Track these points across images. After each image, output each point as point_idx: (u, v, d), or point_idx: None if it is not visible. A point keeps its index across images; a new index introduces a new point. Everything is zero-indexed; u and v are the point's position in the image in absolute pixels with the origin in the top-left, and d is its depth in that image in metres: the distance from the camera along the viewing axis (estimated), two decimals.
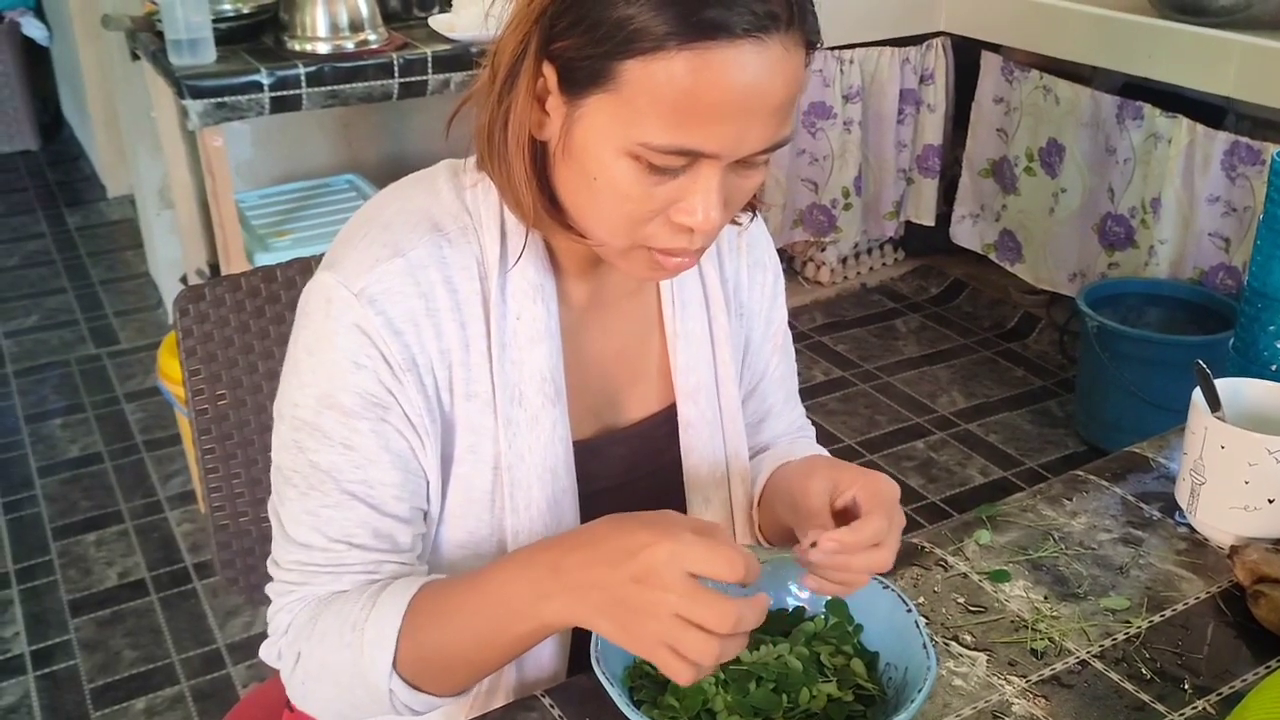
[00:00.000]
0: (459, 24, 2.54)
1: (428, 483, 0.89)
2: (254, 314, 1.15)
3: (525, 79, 0.79)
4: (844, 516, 0.87)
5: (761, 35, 0.73)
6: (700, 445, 1.00)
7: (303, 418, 0.86)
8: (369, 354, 0.84)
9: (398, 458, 0.87)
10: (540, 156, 0.83)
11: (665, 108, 0.74)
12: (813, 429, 1.17)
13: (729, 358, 1.01)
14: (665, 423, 1.01)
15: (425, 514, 0.91)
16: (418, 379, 0.85)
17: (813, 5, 0.78)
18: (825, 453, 1.10)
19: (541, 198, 0.84)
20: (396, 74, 2.43)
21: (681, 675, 0.72)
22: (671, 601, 0.71)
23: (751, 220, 1.01)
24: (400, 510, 0.88)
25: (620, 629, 0.74)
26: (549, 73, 0.78)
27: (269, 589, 0.91)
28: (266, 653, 0.91)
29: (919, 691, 0.78)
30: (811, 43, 0.78)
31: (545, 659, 0.95)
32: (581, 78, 0.76)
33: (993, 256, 3.25)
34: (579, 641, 0.93)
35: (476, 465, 0.90)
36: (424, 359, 0.86)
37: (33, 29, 4.55)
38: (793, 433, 1.14)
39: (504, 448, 0.89)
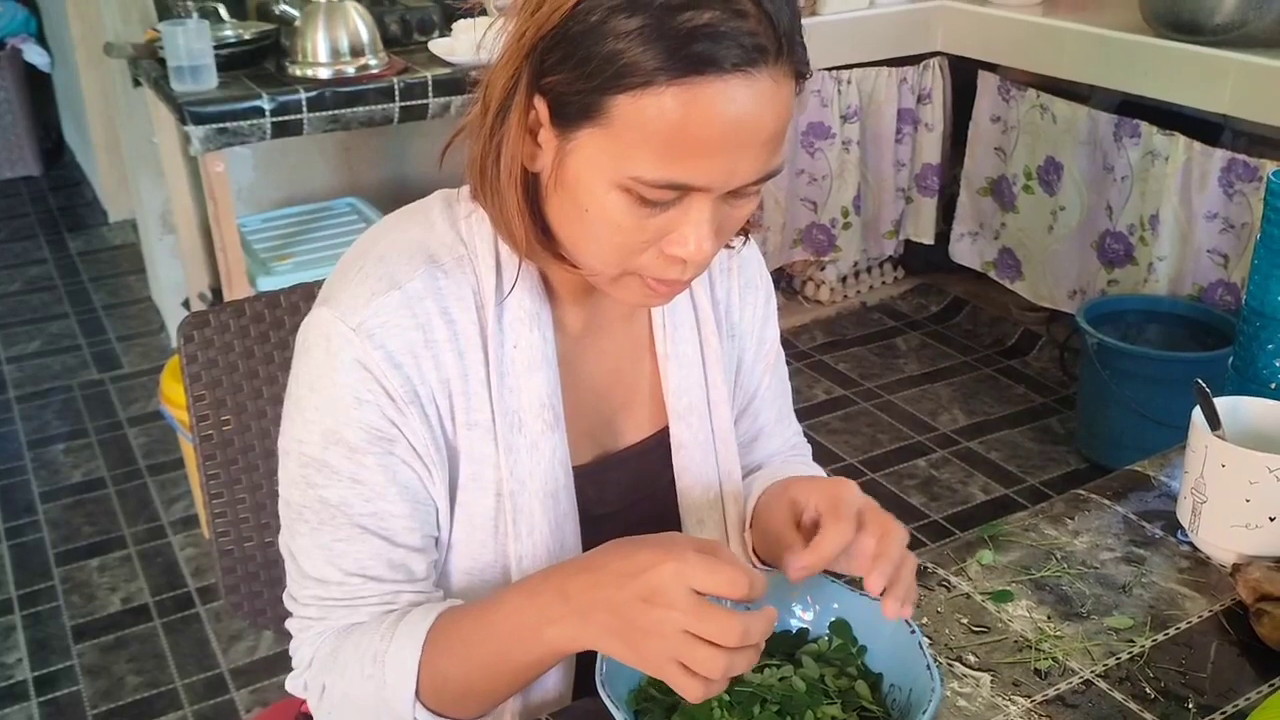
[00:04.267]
0: (458, 48, 2.56)
1: (438, 510, 0.90)
2: (258, 339, 1.15)
3: (517, 112, 0.79)
4: (815, 531, 0.87)
5: (750, 69, 0.73)
6: (693, 466, 1.01)
7: (309, 454, 0.86)
8: (371, 389, 0.84)
9: (406, 489, 0.87)
10: (532, 187, 0.84)
11: (656, 142, 0.74)
12: (809, 447, 1.17)
13: (720, 379, 1.02)
14: (659, 445, 1.01)
15: (437, 540, 0.92)
16: (420, 410, 0.86)
17: (801, 37, 0.78)
18: (819, 471, 1.11)
19: (534, 228, 0.84)
20: (397, 98, 2.44)
21: (691, 692, 0.73)
22: (677, 619, 0.72)
23: (744, 244, 1.02)
24: (413, 540, 0.89)
25: (629, 648, 0.75)
26: (540, 106, 0.79)
27: (289, 624, 0.93)
28: (293, 685, 0.92)
29: (924, 713, 0.78)
30: (801, 73, 0.78)
31: (550, 683, 0.95)
32: (572, 112, 0.77)
33: (992, 274, 3.26)
34: (584, 665, 0.93)
35: (479, 492, 0.91)
36: (425, 390, 0.86)
37: (34, 55, 4.57)
38: (786, 451, 1.14)
39: (505, 474, 0.90)
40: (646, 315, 1.00)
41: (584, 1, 0.73)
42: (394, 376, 0.84)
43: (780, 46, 0.74)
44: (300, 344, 0.88)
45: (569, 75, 0.75)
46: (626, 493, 1.00)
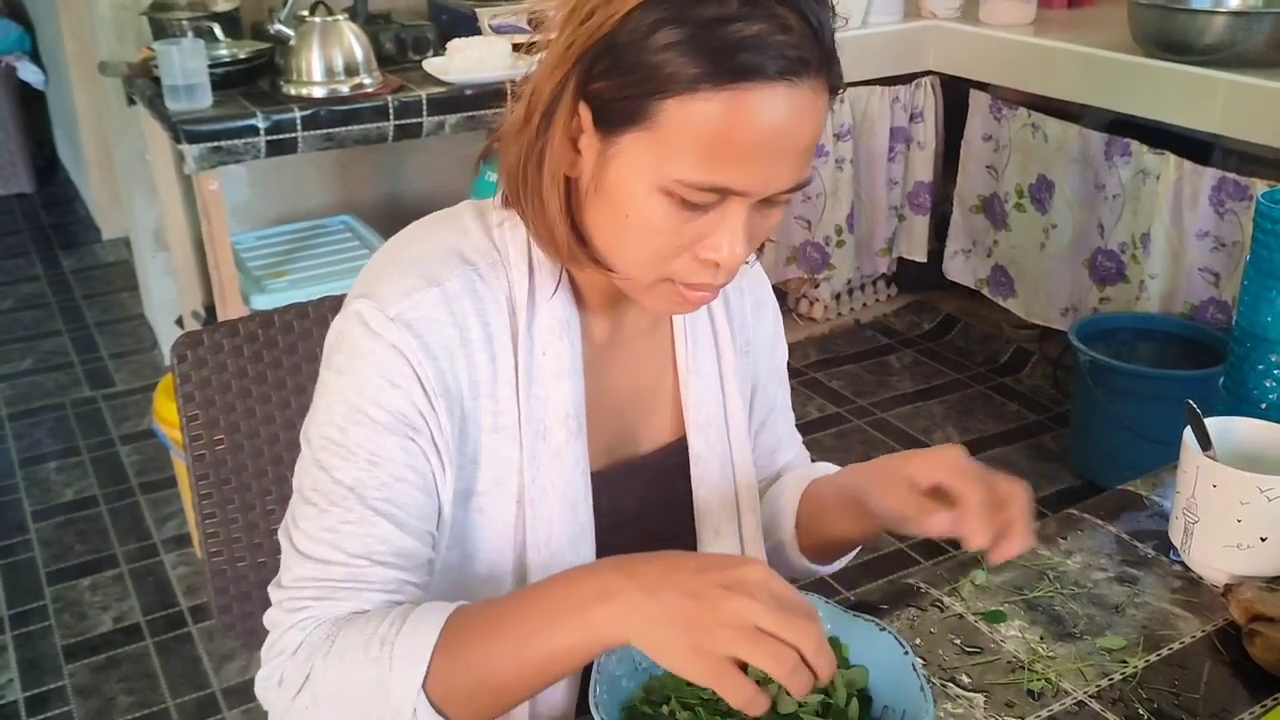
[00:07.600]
0: (452, 67, 2.56)
1: (440, 511, 0.90)
2: (251, 359, 1.15)
3: (561, 118, 0.82)
4: (933, 494, 0.92)
5: (793, 79, 0.76)
6: (710, 478, 1.03)
7: (329, 436, 0.86)
8: (405, 374, 0.85)
9: (422, 479, 0.87)
10: (569, 193, 0.85)
11: (700, 146, 0.77)
12: (808, 454, 1.21)
13: (737, 392, 1.04)
14: (676, 454, 1.03)
15: (435, 544, 0.91)
16: (448, 406, 0.87)
17: (837, 53, 0.81)
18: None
19: (571, 233, 0.86)
20: (391, 116, 2.45)
21: (739, 695, 0.71)
22: (758, 610, 0.72)
23: (755, 260, 1.03)
24: (420, 531, 0.88)
25: (686, 636, 0.72)
26: (584, 112, 0.81)
27: (268, 616, 0.87)
28: (265, 679, 0.86)
29: None
30: (835, 88, 0.81)
31: (557, 698, 0.95)
32: (618, 117, 0.79)
33: (985, 292, 3.27)
34: (588, 683, 0.93)
35: (501, 498, 0.91)
36: (456, 388, 0.87)
37: (28, 73, 4.58)
38: (804, 457, 1.18)
39: (528, 481, 0.90)
40: (669, 329, 1.02)
41: (634, 12, 0.76)
42: (429, 367, 0.85)
43: (821, 60, 0.78)
44: (332, 338, 0.89)
45: (616, 83, 0.78)
46: (640, 499, 1.01)
